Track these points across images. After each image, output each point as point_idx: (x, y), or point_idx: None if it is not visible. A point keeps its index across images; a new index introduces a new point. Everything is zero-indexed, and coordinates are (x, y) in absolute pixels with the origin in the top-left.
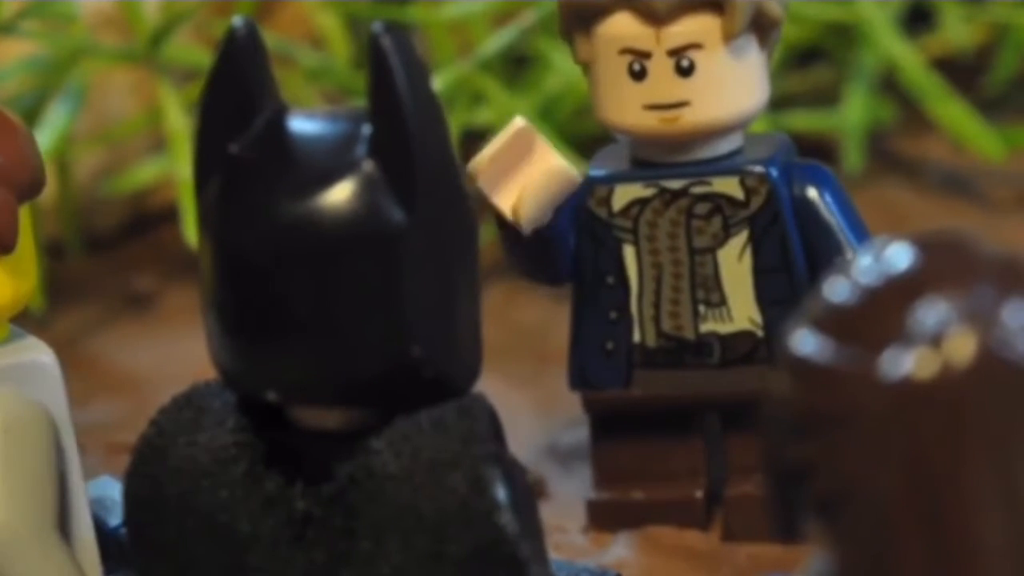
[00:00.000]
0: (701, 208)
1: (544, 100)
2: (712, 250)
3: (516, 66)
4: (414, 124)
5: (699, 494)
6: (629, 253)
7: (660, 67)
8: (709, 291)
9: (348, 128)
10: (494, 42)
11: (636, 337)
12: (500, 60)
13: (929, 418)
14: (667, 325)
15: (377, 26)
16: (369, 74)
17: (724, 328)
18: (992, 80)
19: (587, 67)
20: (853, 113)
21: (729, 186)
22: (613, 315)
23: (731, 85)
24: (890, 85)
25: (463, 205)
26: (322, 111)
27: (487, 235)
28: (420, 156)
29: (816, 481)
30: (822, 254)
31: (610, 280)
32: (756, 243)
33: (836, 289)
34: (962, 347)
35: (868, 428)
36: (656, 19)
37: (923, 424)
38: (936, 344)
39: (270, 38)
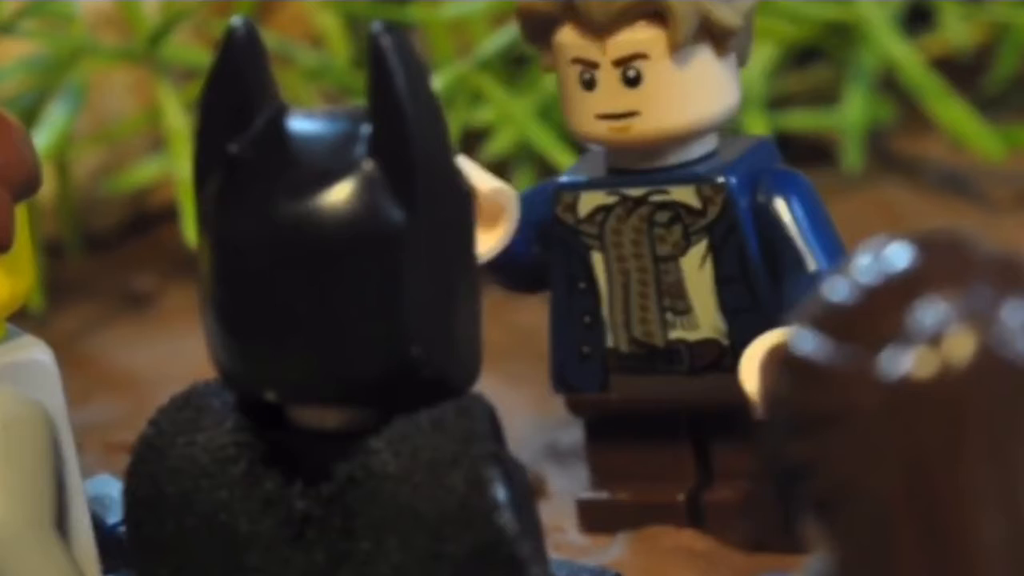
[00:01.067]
0: (662, 216)
1: (543, 100)
2: (675, 258)
3: (515, 66)
4: (414, 124)
5: (681, 497)
6: (597, 259)
7: (607, 77)
8: (675, 299)
9: (347, 128)
10: (493, 42)
11: (609, 342)
12: (499, 60)
13: (927, 417)
14: (637, 331)
15: (377, 26)
16: (369, 74)
17: (691, 336)
18: (991, 79)
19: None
20: (852, 112)
21: (686, 195)
22: (587, 320)
23: (683, 94)
24: (889, 84)
25: (462, 205)
26: (321, 111)
27: None
28: (420, 156)
29: (814, 480)
30: (782, 264)
31: (581, 285)
32: (716, 252)
33: (835, 288)
34: (961, 346)
35: (866, 427)
36: (596, 30)
37: (921, 423)
38: (935, 343)
39: (269, 38)
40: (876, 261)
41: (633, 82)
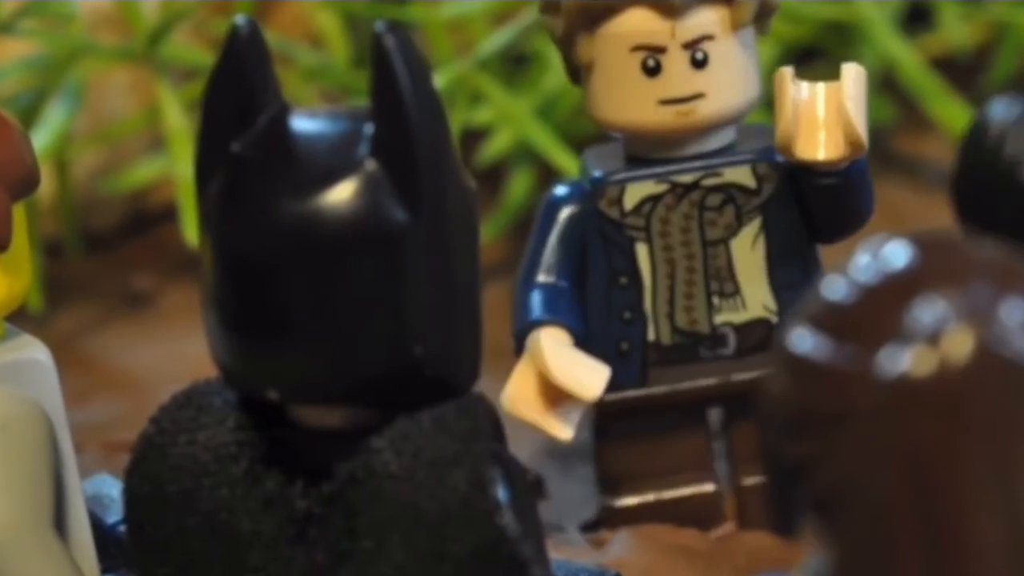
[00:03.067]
0: (713, 200)
1: (543, 99)
2: (725, 241)
3: (515, 65)
4: (416, 123)
5: (715, 488)
6: (642, 252)
7: (675, 61)
8: (723, 282)
9: (350, 127)
10: (493, 41)
11: (651, 336)
12: (499, 59)
13: (926, 416)
14: (681, 320)
15: (380, 25)
16: (371, 73)
17: (738, 318)
18: (991, 79)
19: (585, 69)
20: None
21: (742, 175)
22: (627, 315)
23: (739, 74)
24: (889, 84)
25: (465, 204)
26: (324, 110)
27: (488, 234)
28: (423, 156)
29: (814, 479)
30: None
31: (623, 280)
32: (768, 230)
33: (834, 287)
34: (959, 345)
35: (865, 426)
36: (673, 12)
37: (920, 422)
38: (933, 342)
39: (269, 37)
40: (875, 260)
41: (701, 64)
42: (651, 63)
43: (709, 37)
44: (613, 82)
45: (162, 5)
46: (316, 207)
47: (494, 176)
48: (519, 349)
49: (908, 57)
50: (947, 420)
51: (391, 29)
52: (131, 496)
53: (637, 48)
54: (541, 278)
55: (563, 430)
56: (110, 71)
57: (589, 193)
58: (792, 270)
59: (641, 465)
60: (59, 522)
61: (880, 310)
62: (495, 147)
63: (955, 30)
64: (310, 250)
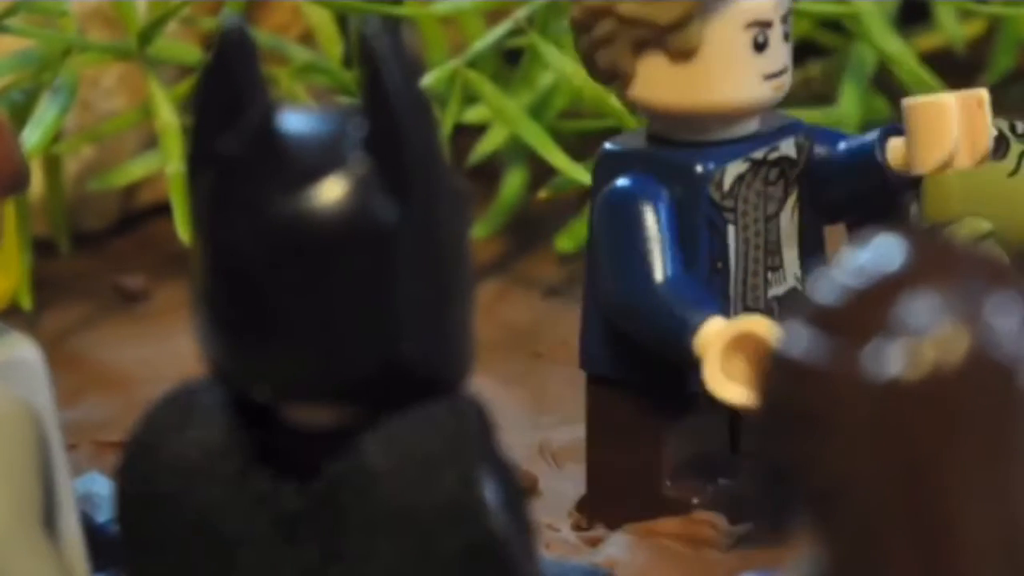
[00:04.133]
0: (772, 174)
1: (536, 97)
2: (777, 214)
3: (508, 62)
4: (406, 121)
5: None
6: (731, 233)
7: (776, 35)
8: (772, 256)
9: (339, 125)
10: (486, 39)
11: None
12: (492, 56)
13: (917, 416)
14: (749, 299)
15: (370, 23)
16: (361, 71)
17: (780, 290)
18: (988, 76)
19: (683, 56)
20: (848, 108)
21: (790, 148)
22: (720, 302)
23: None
24: (885, 81)
25: (455, 202)
26: (314, 108)
27: (482, 232)
28: (413, 153)
29: (805, 479)
30: (851, 152)
31: (720, 265)
32: (802, 200)
33: (824, 286)
34: (951, 345)
35: (856, 426)
36: None
37: (911, 422)
38: (925, 342)
39: (261, 35)
40: (866, 259)
41: (787, 37)
42: (760, 39)
43: (792, 11)
44: (727, 62)
45: (153, 3)
46: (305, 205)
47: (487, 174)
48: (689, 354)
49: (904, 53)
50: (937, 419)
51: (382, 27)
52: (121, 496)
53: (751, 24)
54: (660, 276)
55: None
56: (102, 68)
57: (690, 179)
58: (813, 238)
59: (677, 456)
60: (50, 521)
61: (871, 309)
62: (488, 144)
63: (951, 26)
64: (300, 248)
